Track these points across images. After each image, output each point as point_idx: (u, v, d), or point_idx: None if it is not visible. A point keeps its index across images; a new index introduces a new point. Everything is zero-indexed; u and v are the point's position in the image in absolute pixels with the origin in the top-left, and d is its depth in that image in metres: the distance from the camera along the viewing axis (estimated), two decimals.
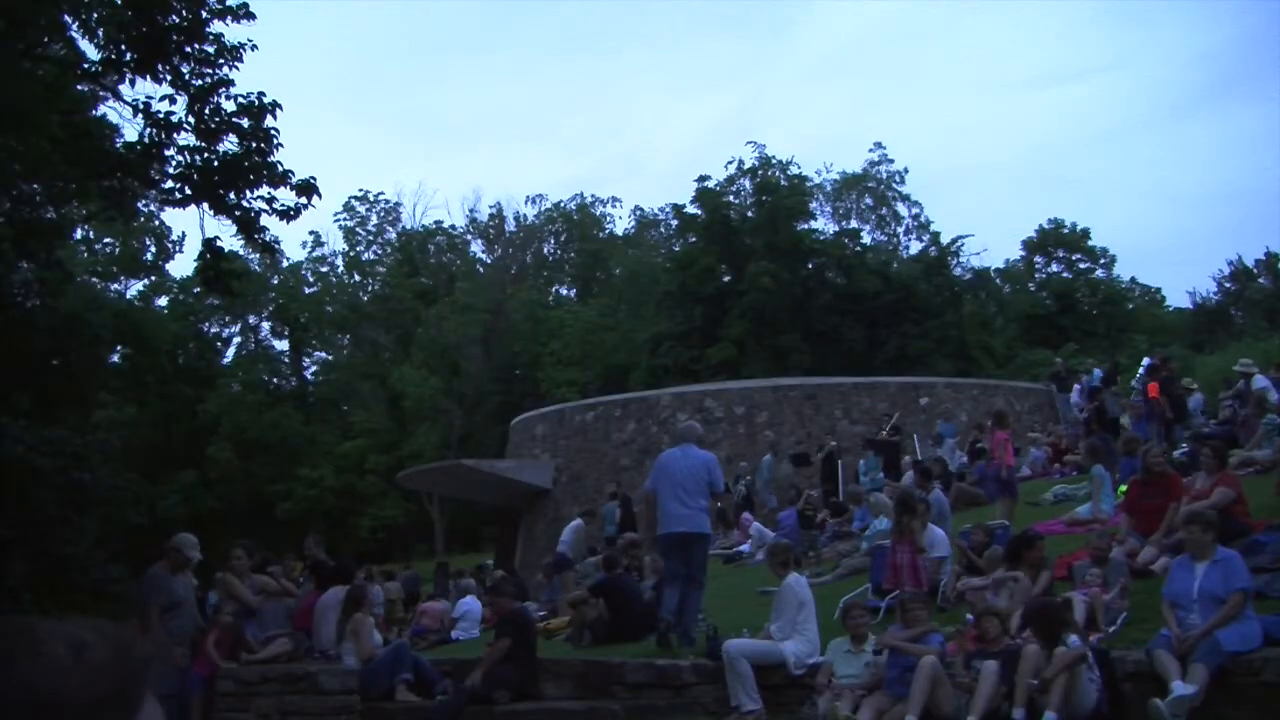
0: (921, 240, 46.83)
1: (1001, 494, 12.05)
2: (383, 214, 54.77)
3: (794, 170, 42.60)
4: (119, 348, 35.56)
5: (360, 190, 54.76)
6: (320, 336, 52.48)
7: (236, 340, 52.23)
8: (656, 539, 9.31)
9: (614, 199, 56.57)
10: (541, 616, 12.97)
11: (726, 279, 40.33)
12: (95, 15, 9.61)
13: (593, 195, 56.29)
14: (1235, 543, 7.15)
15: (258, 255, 36.43)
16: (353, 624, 9.00)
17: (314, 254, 52.97)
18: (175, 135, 10.21)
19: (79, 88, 10.98)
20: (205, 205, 10.51)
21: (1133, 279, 47.73)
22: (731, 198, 42.16)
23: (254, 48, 10.27)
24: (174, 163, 10.34)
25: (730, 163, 42.67)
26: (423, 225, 55.27)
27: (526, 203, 56.63)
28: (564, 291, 55.78)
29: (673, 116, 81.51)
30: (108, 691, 0.96)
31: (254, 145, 10.23)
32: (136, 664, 1.01)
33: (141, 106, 10.14)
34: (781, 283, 37.92)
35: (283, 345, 52.99)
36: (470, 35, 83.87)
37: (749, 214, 41.42)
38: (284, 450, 44.03)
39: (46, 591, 13.97)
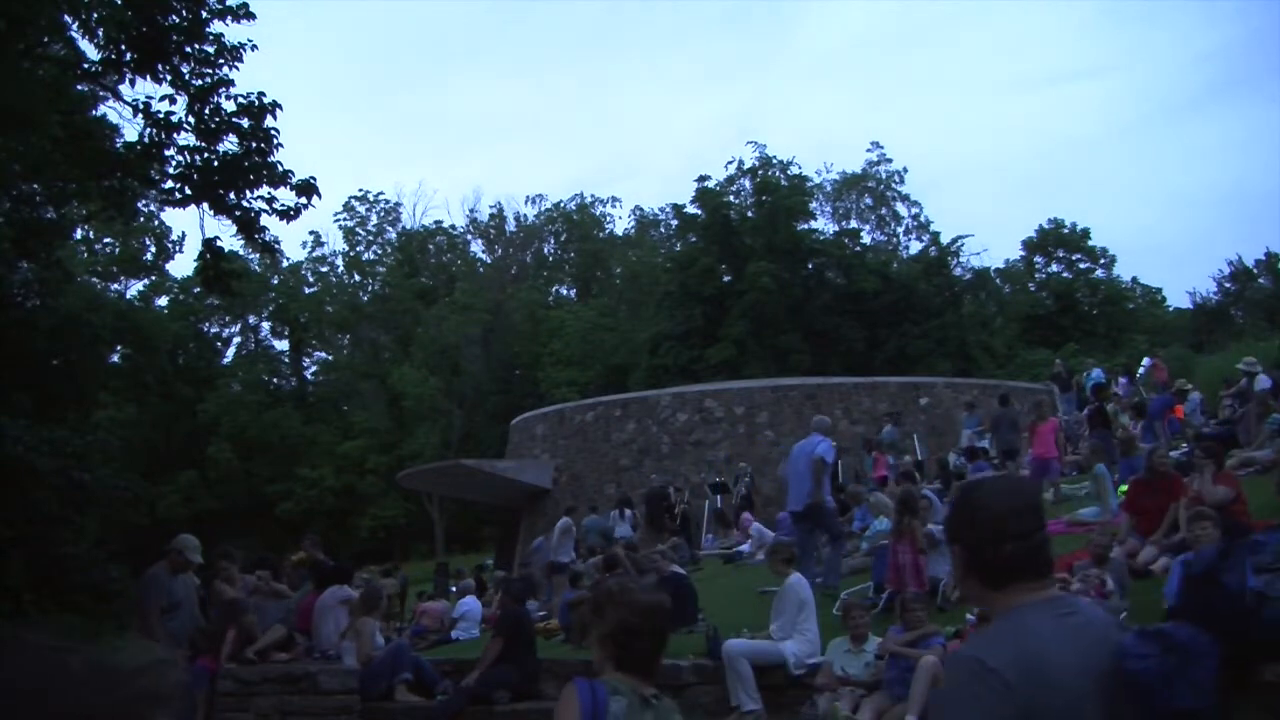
0: (921, 240, 46.88)
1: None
2: (383, 214, 54.85)
3: (794, 170, 42.74)
4: (119, 348, 35.54)
5: (360, 190, 55.08)
6: (320, 336, 52.52)
7: (236, 340, 52.38)
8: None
9: (614, 199, 56.94)
10: (541, 617, 12.97)
11: (726, 279, 40.32)
12: (95, 15, 9.57)
13: (593, 195, 56.53)
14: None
15: (258, 255, 36.52)
16: (356, 625, 9.01)
17: (314, 254, 53.12)
18: (175, 135, 10.17)
19: (79, 88, 10.94)
20: (205, 205, 10.48)
21: (1133, 279, 47.83)
22: (731, 198, 42.20)
23: (254, 48, 10.24)
24: (174, 163, 10.30)
25: (730, 163, 42.86)
26: (423, 225, 55.38)
27: (526, 203, 56.84)
28: (564, 291, 55.81)
29: (673, 116, 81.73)
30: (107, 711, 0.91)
31: (254, 145, 10.20)
32: (143, 689, 0.96)
33: (141, 106, 10.11)
34: (781, 283, 37.93)
35: (283, 345, 53.09)
36: (470, 36, 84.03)
37: (749, 214, 41.43)
38: (284, 450, 44.07)
39: (47, 592, 13.94)
